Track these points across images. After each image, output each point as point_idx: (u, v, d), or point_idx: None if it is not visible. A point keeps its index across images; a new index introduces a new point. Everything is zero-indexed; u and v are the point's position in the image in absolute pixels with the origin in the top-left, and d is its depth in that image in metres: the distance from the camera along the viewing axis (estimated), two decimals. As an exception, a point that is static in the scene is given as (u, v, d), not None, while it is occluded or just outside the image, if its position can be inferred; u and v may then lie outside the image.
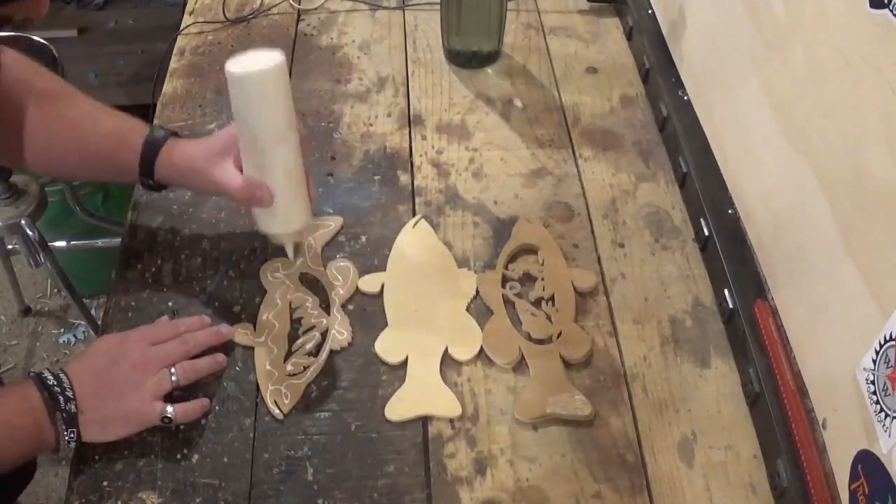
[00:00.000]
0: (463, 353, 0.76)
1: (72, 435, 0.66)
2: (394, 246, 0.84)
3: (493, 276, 0.82)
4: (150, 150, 0.77)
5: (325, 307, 0.79)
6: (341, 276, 0.81)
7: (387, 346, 0.76)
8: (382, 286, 0.81)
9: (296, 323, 0.78)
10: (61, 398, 0.67)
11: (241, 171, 0.73)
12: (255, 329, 0.77)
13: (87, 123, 0.79)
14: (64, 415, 0.66)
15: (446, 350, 0.76)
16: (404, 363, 0.75)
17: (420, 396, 0.73)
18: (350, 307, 0.80)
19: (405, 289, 0.80)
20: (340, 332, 0.77)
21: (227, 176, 0.73)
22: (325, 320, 0.78)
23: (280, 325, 0.77)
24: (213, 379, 0.74)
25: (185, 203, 0.89)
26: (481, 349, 0.76)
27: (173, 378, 0.71)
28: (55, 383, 0.67)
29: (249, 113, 0.67)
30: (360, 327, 0.78)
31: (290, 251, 0.77)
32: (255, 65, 0.65)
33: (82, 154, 0.79)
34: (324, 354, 0.75)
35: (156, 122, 0.82)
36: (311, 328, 0.77)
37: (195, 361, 0.73)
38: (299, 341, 0.76)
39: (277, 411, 0.71)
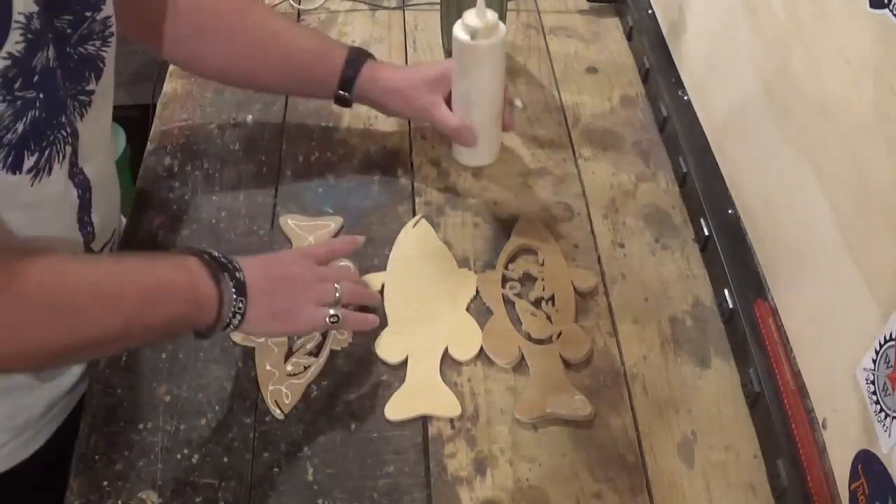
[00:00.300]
0: (463, 353, 0.76)
1: (240, 305, 0.64)
2: (394, 246, 0.84)
3: (493, 276, 0.82)
4: (352, 66, 0.85)
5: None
6: None
7: (386, 346, 0.76)
8: (383, 286, 0.81)
9: None
10: (230, 266, 0.65)
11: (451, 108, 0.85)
12: None
13: (289, 36, 0.84)
14: (233, 280, 0.64)
15: (446, 350, 0.76)
16: (404, 363, 0.75)
17: (419, 396, 0.73)
18: (350, 307, 0.80)
19: (405, 289, 0.80)
20: (341, 332, 0.77)
21: (442, 113, 0.85)
22: None
23: None
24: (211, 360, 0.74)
25: (185, 203, 0.89)
26: (481, 349, 0.76)
27: (337, 294, 0.70)
28: (223, 256, 0.65)
29: (472, 71, 0.84)
30: (360, 327, 0.78)
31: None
32: (484, 38, 0.81)
33: (283, 66, 0.85)
34: (324, 354, 0.75)
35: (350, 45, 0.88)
36: None
37: (359, 286, 0.75)
38: (300, 341, 0.76)
39: (278, 411, 0.71)
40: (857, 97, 0.59)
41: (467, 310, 0.79)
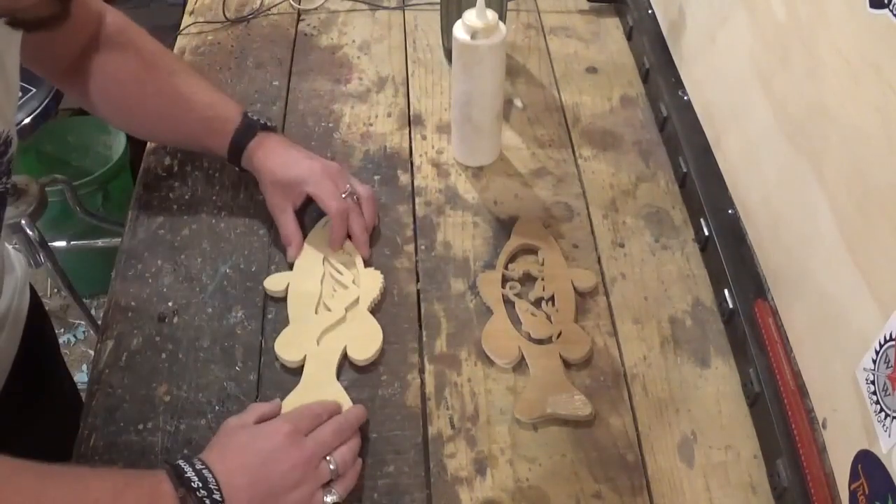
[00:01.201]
0: (361, 353, 0.75)
1: None
2: (305, 244, 0.84)
3: (493, 276, 0.82)
4: (238, 144, 0.84)
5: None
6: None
7: (285, 346, 0.75)
8: (287, 286, 0.80)
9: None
10: (208, 501, 0.58)
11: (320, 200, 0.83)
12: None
13: (183, 103, 0.84)
14: None
15: (345, 350, 0.75)
16: (302, 363, 0.74)
17: (315, 397, 0.71)
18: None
19: (309, 288, 0.80)
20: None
21: (282, 219, 0.83)
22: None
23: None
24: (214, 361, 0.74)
25: (185, 203, 0.89)
26: (382, 349, 0.76)
27: (332, 467, 0.64)
28: (199, 484, 0.58)
29: (472, 71, 0.84)
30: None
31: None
32: (484, 38, 0.82)
33: (179, 133, 0.87)
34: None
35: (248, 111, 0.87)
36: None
37: (350, 447, 0.67)
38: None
39: None
40: (857, 97, 0.59)
41: (372, 310, 0.79)
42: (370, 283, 0.80)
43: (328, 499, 0.64)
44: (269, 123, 0.86)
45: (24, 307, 0.87)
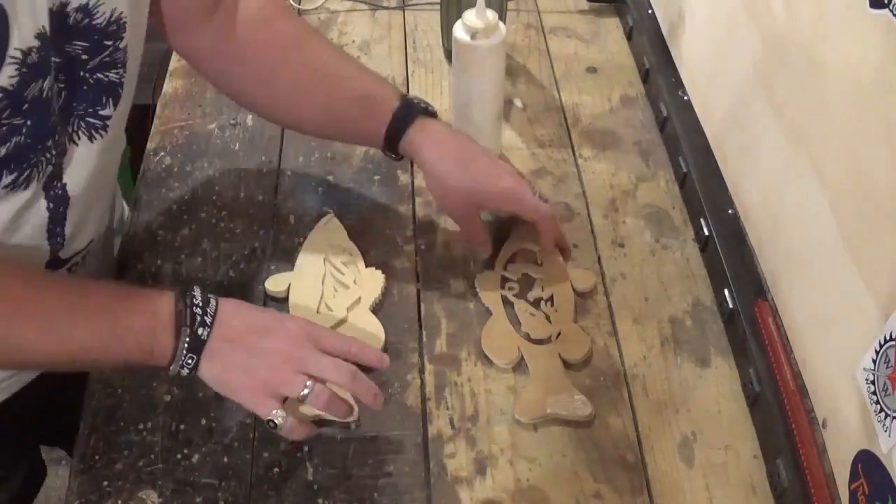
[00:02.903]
0: None
1: (190, 361, 0.61)
2: (303, 245, 0.83)
3: (492, 276, 0.82)
4: (398, 128, 0.76)
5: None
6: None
7: None
8: (289, 286, 0.80)
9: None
10: (198, 319, 0.61)
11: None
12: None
13: (336, 82, 0.77)
14: (191, 336, 0.61)
15: None
16: None
17: None
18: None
19: (309, 288, 0.79)
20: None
21: (470, 228, 0.80)
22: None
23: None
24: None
25: (185, 203, 0.89)
26: (385, 348, 0.75)
27: (304, 392, 0.63)
28: (199, 304, 0.62)
29: (472, 71, 0.85)
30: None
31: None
32: (484, 37, 0.82)
33: (327, 113, 0.78)
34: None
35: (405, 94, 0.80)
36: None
37: (336, 397, 0.65)
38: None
39: None
40: (857, 97, 0.59)
41: (373, 310, 0.78)
42: (371, 282, 0.80)
43: (276, 416, 0.62)
44: (430, 108, 0.78)
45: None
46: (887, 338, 0.53)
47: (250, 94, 0.80)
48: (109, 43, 0.63)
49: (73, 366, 0.63)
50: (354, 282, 0.80)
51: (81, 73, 0.63)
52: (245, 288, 0.81)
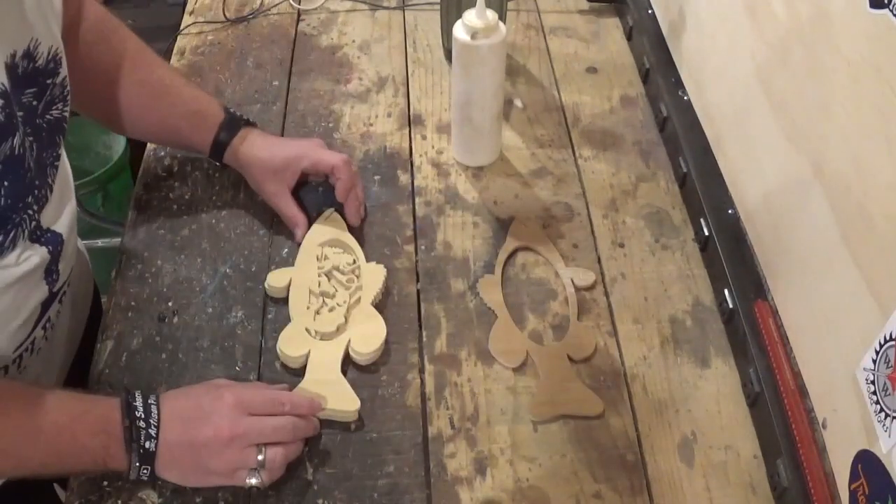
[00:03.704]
0: (365, 347, 0.75)
1: (145, 471, 0.63)
2: (304, 239, 0.84)
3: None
4: (223, 139, 0.84)
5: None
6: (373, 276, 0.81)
7: (288, 341, 0.75)
8: (290, 280, 0.80)
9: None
10: (143, 434, 0.63)
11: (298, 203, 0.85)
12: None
13: (169, 98, 0.84)
14: (141, 450, 0.63)
15: (349, 344, 0.75)
16: (306, 357, 0.74)
17: (320, 391, 0.71)
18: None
19: (311, 282, 0.79)
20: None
21: (281, 203, 0.84)
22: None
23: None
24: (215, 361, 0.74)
25: (185, 203, 0.89)
26: (386, 342, 0.76)
27: (260, 458, 0.64)
28: (142, 416, 0.63)
29: (472, 71, 0.84)
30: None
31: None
32: (484, 37, 0.82)
33: (161, 126, 0.86)
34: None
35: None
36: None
37: (288, 448, 0.67)
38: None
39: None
40: (857, 97, 0.59)
41: (375, 305, 0.78)
42: (373, 277, 0.80)
43: (251, 480, 0.64)
44: (250, 119, 0.87)
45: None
46: (887, 338, 0.53)
47: (92, 108, 0.84)
48: (49, 81, 0.65)
49: (33, 477, 0.65)
50: (356, 276, 0.80)
51: (37, 122, 0.65)
52: (245, 288, 0.81)
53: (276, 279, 0.80)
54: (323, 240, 0.83)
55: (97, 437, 0.62)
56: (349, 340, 0.75)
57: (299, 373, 0.74)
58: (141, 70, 0.83)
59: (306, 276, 0.80)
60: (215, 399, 0.66)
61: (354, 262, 0.82)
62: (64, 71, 0.67)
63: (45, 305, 0.70)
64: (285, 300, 0.79)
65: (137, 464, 0.63)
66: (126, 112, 0.84)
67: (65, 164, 0.74)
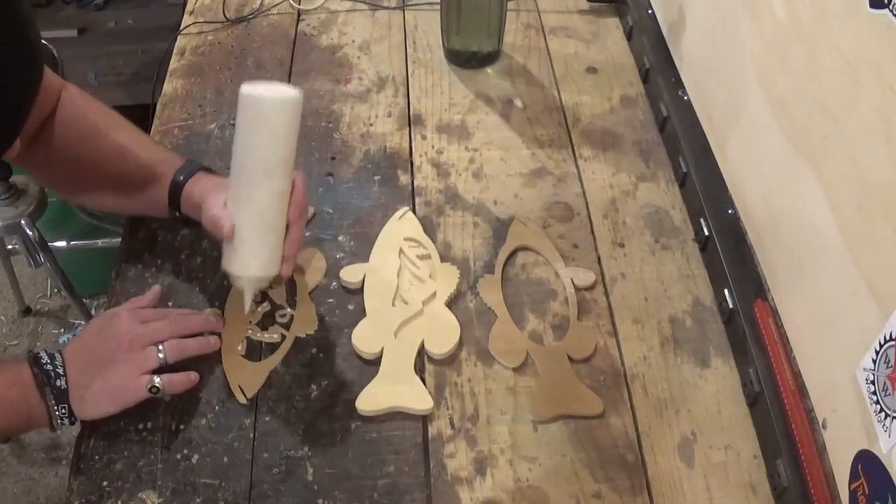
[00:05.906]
0: (439, 347, 0.75)
1: (63, 410, 0.68)
2: (379, 236, 0.84)
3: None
4: (176, 185, 0.77)
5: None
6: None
7: (362, 338, 0.75)
8: (364, 276, 0.80)
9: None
10: (52, 374, 0.68)
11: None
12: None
13: (126, 153, 0.79)
14: (54, 390, 0.67)
15: (423, 344, 0.76)
16: (380, 355, 0.75)
17: (392, 389, 0.72)
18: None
19: (385, 280, 0.80)
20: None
21: (208, 202, 0.71)
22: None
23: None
24: (207, 358, 0.75)
25: (185, 203, 0.89)
26: (459, 344, 0.76)
27: (160, 355, 0.70)
28: (48, 361, 0.69)
29: (245, 136, 0.66)
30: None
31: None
32: (268, 92, 0.64)
33: (119, 187, 0.80)
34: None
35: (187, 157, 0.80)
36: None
37: (184, 341, 0.73)
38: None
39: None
40: (857, 97, 0.59)
41: (449, 306, 0.79)
42: (447, 277, 0.81)
43: (156, 380, 0.69)
44: (207, 167, 0.79)
45: None
46: (887, 338, 0.53)
47: (62, 187, 0.84)
48: None
49: None
50: (430, 276, 0.81)
51: None
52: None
53: (349, 274, 0.81)
54: (398, 237, 0.84)
55: (14, 388, 0.67)
56: (423, 340, 0.76)
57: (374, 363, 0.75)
58: (101, 137, 0.79)
59: (381, 274, 0.80)
60: (111, 318, 0.72)
61: (430, 261, 0.82)
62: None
63: None
64: (360, 290, 0.80)
65: (53, 402, 0.67)
66: (93, 182, 0.80)
67: None
